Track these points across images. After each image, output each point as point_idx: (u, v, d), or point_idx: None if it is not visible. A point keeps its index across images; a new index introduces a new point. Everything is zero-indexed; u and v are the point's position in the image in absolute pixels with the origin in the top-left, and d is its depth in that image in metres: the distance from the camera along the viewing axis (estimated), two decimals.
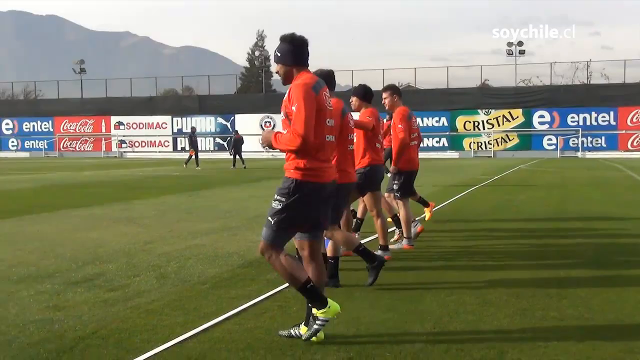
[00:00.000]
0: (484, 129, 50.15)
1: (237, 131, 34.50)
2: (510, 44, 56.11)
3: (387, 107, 8.47)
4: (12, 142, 59.55)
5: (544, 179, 22.71)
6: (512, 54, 55.74)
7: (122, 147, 57.33)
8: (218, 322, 4.91)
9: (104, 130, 57.99)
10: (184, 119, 55.95)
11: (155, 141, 56.79)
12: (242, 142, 32.24)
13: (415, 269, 7.06)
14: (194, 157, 31.20)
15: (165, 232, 9.61)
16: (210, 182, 21.27)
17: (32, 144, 59.21)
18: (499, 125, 49.81)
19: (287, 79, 4.60)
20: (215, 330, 4.71)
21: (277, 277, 6.42)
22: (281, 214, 4.40)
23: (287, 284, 6.09)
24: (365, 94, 7.62)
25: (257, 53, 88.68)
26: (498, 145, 49.69)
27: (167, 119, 56.63)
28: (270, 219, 4.44)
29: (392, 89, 8.50)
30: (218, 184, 20.81)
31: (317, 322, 4.39)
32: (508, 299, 5.62)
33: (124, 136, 57.53)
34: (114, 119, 57.65)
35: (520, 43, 55.94)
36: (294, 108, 4.33)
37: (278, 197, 4.44)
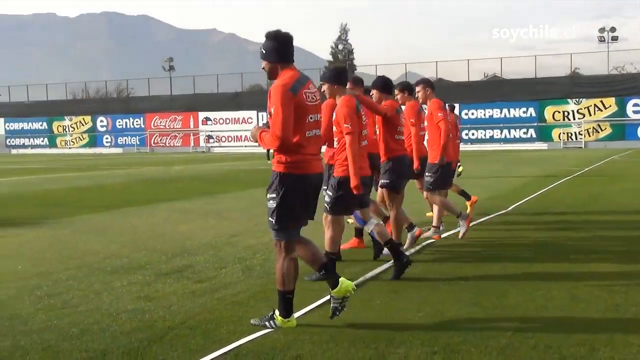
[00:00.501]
0: (574, 119, 48.45)
1: None
2: (602, 30, 54.03)
3: (420, 101, 8.42)
4: (107, 138, 61.84)
5: (639, 170, 21.77)
6: (604, 41, 53.65)
7: (209, 142, 58.60)
8: (302, 314, 4.96)
9: (192, 126, 59.41)
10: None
11: (241, 136, 57.69)
12: None
13: (500, 262, 6.91)
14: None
15: (250, 225, 9.77)
16: None
17: (125, 139, 61.27)
18: (590, 115, 48.02)
19: (272, 75, 4.73)
20: (298, 322, 4.75)
21: (360, 270, 6.46)
22: (278, 212, 4.62)
23: (370, 276, 6.13)
24: (384, 85, 7.54)
25: (340, 47, 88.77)
26: (589, 136, 47.92)
27: (252, 114, 57.45)
28: (271, 219, 4.68)
29: (424, 82, 8.51)
30: None
31: (271, 322, 4.67)
32: (599, 294, 5.43)
33: (211, 131, 58.78)
34: (202, 115, 58.92)
35: (612, 29, 53.80)
36: (272, 110, 4.52)
37: (269, 196, 4.67)
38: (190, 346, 4.27)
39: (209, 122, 58.80)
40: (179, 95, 63.09)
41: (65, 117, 62.81)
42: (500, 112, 49.46)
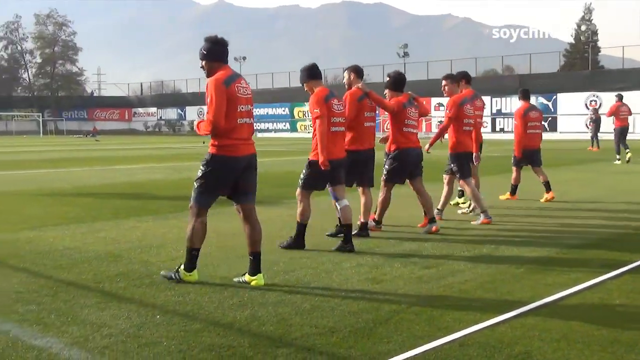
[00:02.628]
0: None
1: (596, 110, 33.19)
2: None
3: (445, 94, 9.24)
4: None
5: None
6: None
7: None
8: (532, 309, 4.74)
9: None
10: (503, 99, 55.02)
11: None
12: (600, 121, 31.29)
13: None
14: None
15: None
16: None
17: None
18: None
19: (210, 73, 5.51)
20: (528, 317, 4.55)
21: (597, 267, 6.02)
22: (200, 180, 5.51)
23: (610, 275, 5.70)
24: (394, 83, 8.42)
25: (583, 28, 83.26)
26: None
27: (486, 99, 56.11)
28: (195, 184, 5.56)
29: (449, 77, 9.30)
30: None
31: (176, 275, 5.56)
32: None
33: (442, 117, 58.46)
34: (435, 100, 58.80)
35: None
36: (208, 100, 5.34)
37: (200, 167, 5.54)
38: (414, 331, 4.28)
39: (441, 108, 58.51)
40: (413, 81, 63.37)
41: (305, 103, 66.19)
42: None
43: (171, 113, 77.97)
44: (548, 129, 51.73)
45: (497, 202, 11.10)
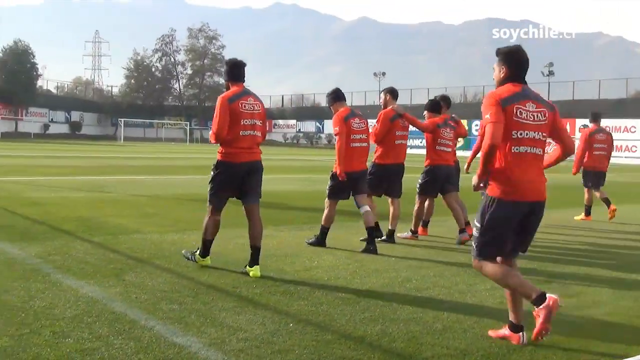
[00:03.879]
0: None
1: None
2: None
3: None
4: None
5: None
6: None
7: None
8: None
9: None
10: None
11: (622, 145, 53.84)
12: None
13: None
14: None
15: (619, 241, 9.03)
16: None
17: None
18: None
19: (227, 90, 6.45)
20: None
21: None
22: (211, 184, 6.44)
23: None
24: (432, 106, 9.31)
25: None
26: None
27: (636, 122, 53.19)
28: (208, 186, 6.47)
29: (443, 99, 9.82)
30: None
31: (193, 257, 6.63)
32: None
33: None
34: (579, 122, 56.29)
35: None
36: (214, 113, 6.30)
37: (211, 173, 6.42)
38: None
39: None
40: (556, 101, 61.08)
41: None
42: None
43: (309, 126, 79.64)
44: None
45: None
